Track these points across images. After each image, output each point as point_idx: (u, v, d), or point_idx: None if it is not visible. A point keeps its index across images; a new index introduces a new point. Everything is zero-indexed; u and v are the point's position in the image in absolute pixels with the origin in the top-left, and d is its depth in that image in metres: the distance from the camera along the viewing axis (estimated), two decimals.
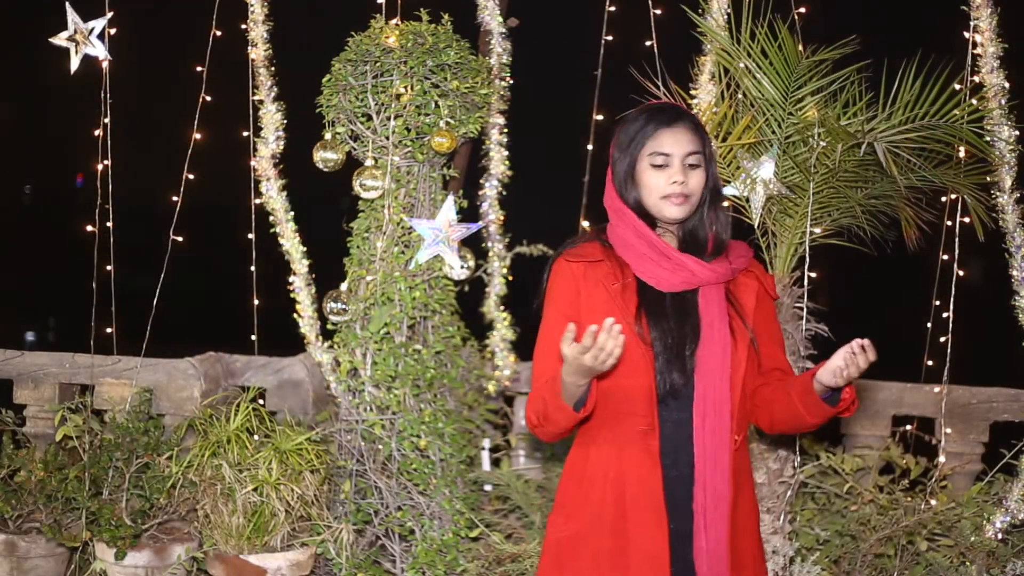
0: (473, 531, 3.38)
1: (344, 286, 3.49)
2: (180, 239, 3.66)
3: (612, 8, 3.81)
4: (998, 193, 3.38)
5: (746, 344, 2.09)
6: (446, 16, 3.47)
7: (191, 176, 3.66)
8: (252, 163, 3.64)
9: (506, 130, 3.79)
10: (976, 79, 3.38)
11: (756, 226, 3.03)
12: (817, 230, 3.07)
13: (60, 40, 3.50)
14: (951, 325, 3.42)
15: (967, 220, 3.27)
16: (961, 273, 3.41)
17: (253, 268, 3.75)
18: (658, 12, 3.59)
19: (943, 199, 3.36)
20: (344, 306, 3.45)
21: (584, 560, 2.09)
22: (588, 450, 2.13)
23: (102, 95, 3.59)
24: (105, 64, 3.56)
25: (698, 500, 2.04)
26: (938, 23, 3.91)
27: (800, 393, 2.05)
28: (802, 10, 3.42)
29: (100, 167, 3.60)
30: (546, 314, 2.15)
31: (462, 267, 3.49)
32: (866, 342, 1.92)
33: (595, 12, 3.84)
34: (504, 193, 3.83)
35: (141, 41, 4.13)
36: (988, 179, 3.33)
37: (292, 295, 3.66)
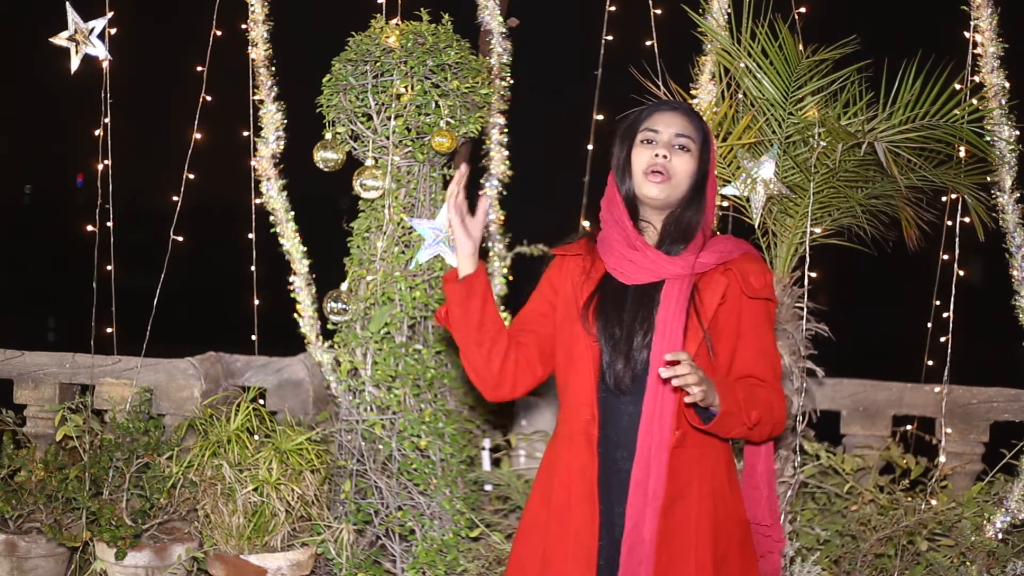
0: (473, 531, 3.38)
1: (344, 286, 3.49)
2: (180, 239, 3.66)
3: (612, 8, 3.81)
4: (998, 193, 3.38)
5: (697, 342, 2.06)
6: (446, 16, 3.47)
7: (191, 176, 3.66)
8: (252, 163, 3.64)
9: (506, 130, 3.79)
10: (976, 79, 3.38)
11: (756, 226, 3.03)
12: (817, 230, 3.07)
13: (60, 40, 3.49)
14: (951, 325, 3.42)
15: (967, 220, 3.27)
16: (961, 273, 3.41)
17: (253, 268, 3.75)
18: (658, 12, 3.59)
19: (943, 199, 3.36)
20: (344, 306, 3.45)
21: (535, 543, 2.15)
22: (556, 440, 2.19)
23: (102, 95, 3.59)
24: (105, 64, 3.56)
25: (631, 494, 2.04)
26: (938, 23, 3.91)
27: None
28: (802, 10, 3.42)
29: (100, 167, 3.60)
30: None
31: None
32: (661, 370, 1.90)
33: (595, 12, 3.84)
34: (504, 193, 3.83)
35: (141, 41, 4.13)
36: (988, 179, 3.33)
37: (292, 295, 3.66)
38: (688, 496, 2.07)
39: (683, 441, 2.06)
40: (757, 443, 2.26)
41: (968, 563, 3.28)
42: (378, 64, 3.34)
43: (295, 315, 3.65)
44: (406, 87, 3.33)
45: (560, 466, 2.14)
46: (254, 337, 3.87)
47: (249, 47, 3.64)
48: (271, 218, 3.65)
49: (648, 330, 2.07)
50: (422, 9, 3.44)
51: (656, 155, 2.10)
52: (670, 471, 2.04)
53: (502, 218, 3.85)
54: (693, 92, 3.38)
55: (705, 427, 2.00)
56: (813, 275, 3.02)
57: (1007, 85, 3.36)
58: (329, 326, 3.56)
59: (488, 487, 3.80)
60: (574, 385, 2.12)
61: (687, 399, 1.92)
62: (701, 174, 2.14)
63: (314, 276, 3.68)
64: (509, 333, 2.16)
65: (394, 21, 3.48)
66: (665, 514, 2.04)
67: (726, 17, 3.33)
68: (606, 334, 2.08)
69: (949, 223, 3.40)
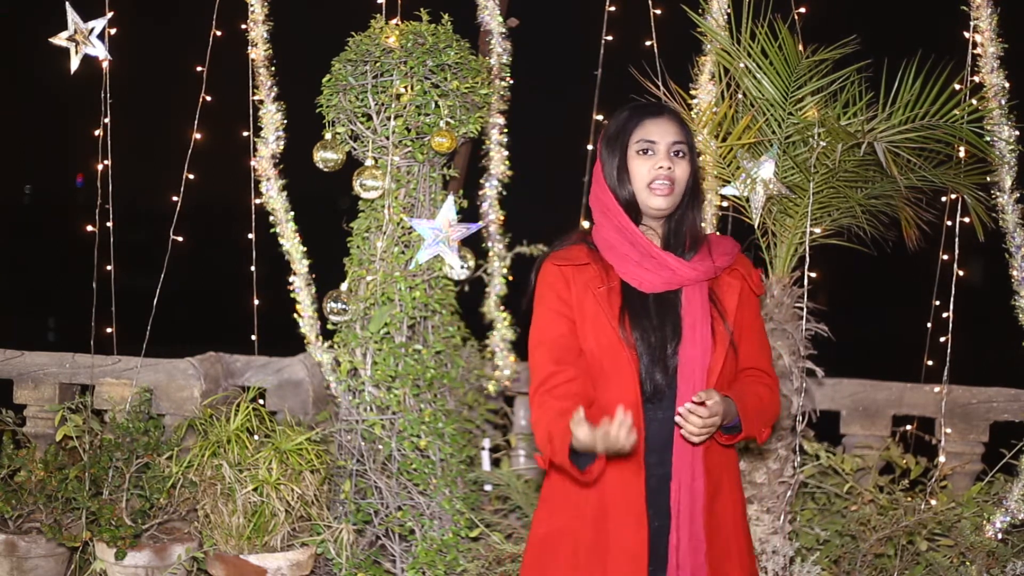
0: (473, 531, 3.38)
1: (344, 286, 3.49)
2: (180, 239, 3.66)
3: (612, 8, 3.81)
4: (998, 193, 3.38)
5: (725, 345, 2.10)
6: (446, 16, 3.47)
7: (191, 176, 3.66)
8: (252, 163, 3.64)
9: (506, 130, 3.79)
10: (976, 79, 3.38)
11: (756, 226, 3.03)
12: (817, 230, 3.07)
13: (60, 40, 3.50)
14: (951, 325, 3.42)
15: (967, 220, 3.27)
16: (961, 273, 3.41)
17: (253, 268, 3.75)
18: (658, 12, 3.59)
19: (943, 199, 3.36)
20: (344, 306, 3.45)
21: (564, 555, 2.13)
22: None
23: (102, 95, 3.59)
24: (105, 64, 3.56)
25: (674, 497, 2.07)
26: (938, 23, 3.91)
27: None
28: (802, 10, 3.42)
29: (100, 167, 3.60)
30: (537, 314, 2.17)
31: (462, 267, 3.49)
32: (684, 407, 1.98)
33: (595, 12, 3.84)
34: (504, 193, 3.83)
35: (141, 41, 4.13)
36: (988, 179, 3.33)
37: (292, 295, 3.66)
38: (723, 490, 2.14)
39: (715, 440, 2.12)
40: None
41: (968, 563, 3.28)
42: (378, 64, 3.34)
43: (295, 315, 3.65)
44: (406, 87, 3.33)
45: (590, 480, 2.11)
46: (254, 337, 3.87)
47: (249, 47, 3.64)
48: (271, 218, 3.65)
49: (677, 337, 2.09)
50: (422, 9, 3.44)
51: (660, 167, 2.10)
52: (706, 469, 2.09)
53: (502, 218, 3.85)
54: (693, 92, 3.37)
55: (725, 444, 2.11)
56: (813, 275, 3.02)
57: (1007, 85, 3.36)
58: (329, 326, 3.56)
59: (488, 487, 3.80)
60: (609, 395, 2.08)
61: (691, 439, 2.01)
62: (695, 175, 2.17)
63: (314, 276, 3.68)
64: (574, 388, 2.07)
65: (394, 21, 3.48)
66: (708, 511, 2.09)
67: (726, 17, 3.32)
68: (644, 343, 2.08)
69: (949, 223, 3.40)
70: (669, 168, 2.10)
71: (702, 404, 1.97)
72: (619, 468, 2.08)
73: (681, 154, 2.12)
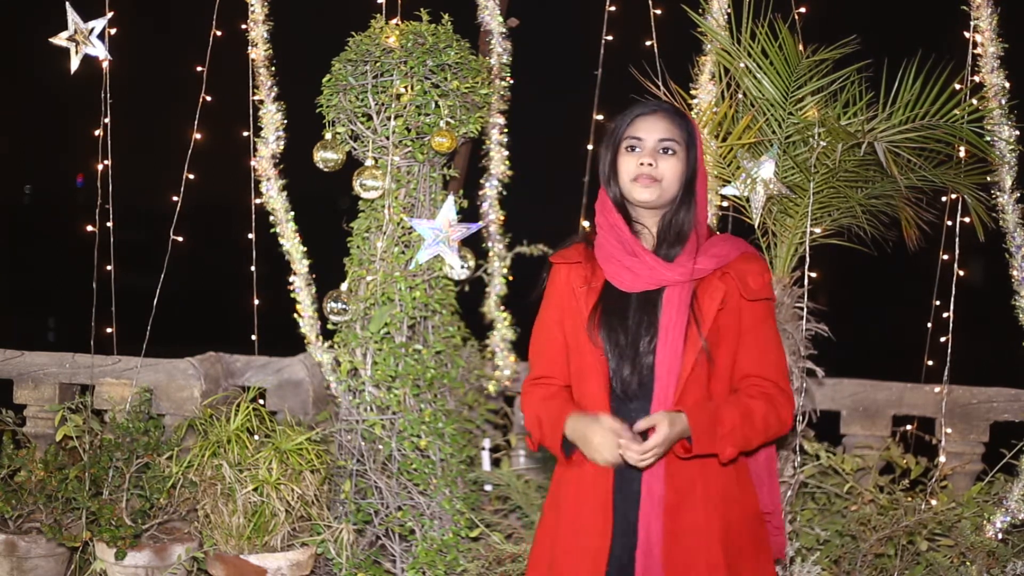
0: (473, 531, 3.38)
1: (344, 286, 3.49)
2: (180, 239, 3.66)
3: (612, 8, 3.81)
4: (998, 193, 3.38)
5: (696, 351, 2.07)
6: (446, 16, 3.47)
7: (191, 176, 3.66)
8: (252, 163, 3.64)
9: (506, 130, 3.79)
10: (976, 79, 3.38)
11: (756, 226, 3.03)
12: (817, 230, 3.07)
13: (60, 40, 3.50)
14: (951, 325, 3.42)
15: (967, 220, 3.26)
16: (961, 273, 3.41)
17: (253, 268, 3.75)
18: (658, 12, 3.59)
19: (943, 199, 3.36)
20: (344, 306, 3.45)
21: (545, 549, 2.19)
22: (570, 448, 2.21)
23: (102, 95, 3.59)
24: (105, 64, 3.56)
25: (642, 499, 2.08)
26: (938, 23, 3.91)
27: None
28: (802, 10, 3.42)
29: (100, 167, 3.60)
30: (539, 312, 2.27)
31: (462, 267, 3.49)
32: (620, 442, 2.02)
33: (595, 12, 3.84)
34: (504, 193, 3.83)
35: (141, 41, 4.13)
36: (988, 179, 3.33)
37: (292, 295, 3.66)
38: (693, 498, 2.09)
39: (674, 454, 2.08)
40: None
41: (968, 563, 3.28)
42: (378, 64, 3.34)
43: (295, 315, 3.65)
44: (406, 87, 3.33)
45: (571, 474, 2.16)
46: (254, 337, 3.87)
47: (249, 47, 3.64)
48: (271, 218, 3.65)
49: (653, 335, 2.08)
50: (422, 9, 3.44)
51: (642, 163, 2.10)
52: (670, 473, 2.07)
53: (502, 218, 3.85)
54: (693, 92, 3.38)
55: (683, 456, 2.07)
56: (813, 275, 3.02)
57: (1007, 85, 3.36)
58: (329, 326, 3.56)
59: (488, 487, 3.80)
60: (586, 396, 2.13)
61: (634, 462, 2.02)
62: (690, 173, 2.14)
63: (314, 276, 3.68)
64: (560, 387, 2.21)
65: (394, 21, 3.48)
66: (671, 516, 2.06)
67: (726, 17, 3.32)
68: (611, 342, 2.09)
69: (949, 223, 3.40)
70: (651, 164, 2.10)
71: (651, 430, 2.00)
72: (592, 470, 2.10)
73: (670, 151, 2.12)
